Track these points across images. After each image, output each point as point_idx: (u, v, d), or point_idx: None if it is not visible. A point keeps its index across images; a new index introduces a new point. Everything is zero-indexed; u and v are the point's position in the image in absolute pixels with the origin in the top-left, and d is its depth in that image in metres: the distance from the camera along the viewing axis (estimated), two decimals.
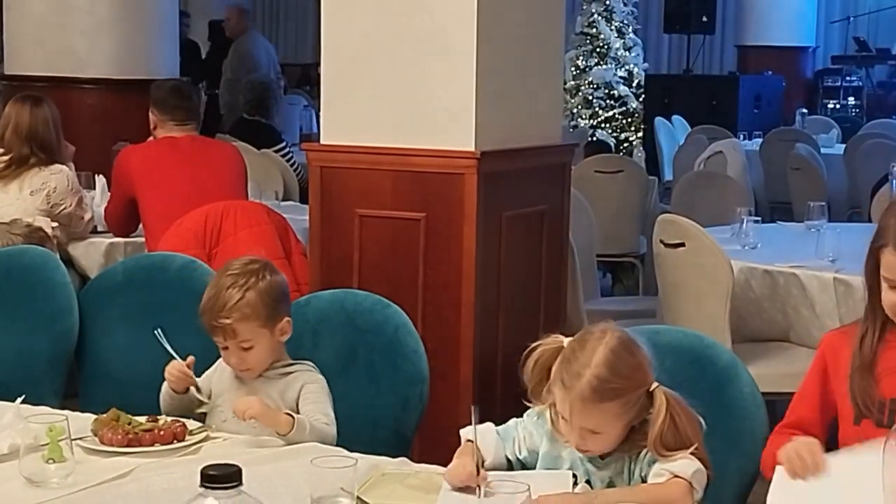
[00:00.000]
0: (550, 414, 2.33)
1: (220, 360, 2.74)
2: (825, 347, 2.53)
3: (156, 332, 2.70)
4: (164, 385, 2.71)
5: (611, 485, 2.27)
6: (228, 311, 2.60)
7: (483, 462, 2.29)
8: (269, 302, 2.63)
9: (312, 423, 2.52)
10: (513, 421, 2.41)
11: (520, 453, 2.37)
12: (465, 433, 2.36)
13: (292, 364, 2.69)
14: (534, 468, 2.36)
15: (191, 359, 2.68)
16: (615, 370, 2.21)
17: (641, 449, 2.26)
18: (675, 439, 2.22)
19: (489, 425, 2.40)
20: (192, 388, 2.68)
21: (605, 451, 2.27)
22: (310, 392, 2.62)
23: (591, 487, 2.26)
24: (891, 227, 2.40)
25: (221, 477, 1.68)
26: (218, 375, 2.74)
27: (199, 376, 2.75)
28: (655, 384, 2.25)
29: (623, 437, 2.26)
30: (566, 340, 2.31)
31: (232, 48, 10.71)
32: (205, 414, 2.71)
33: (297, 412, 2.58)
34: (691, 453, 2.22)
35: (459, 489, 2.21)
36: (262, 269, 2.68)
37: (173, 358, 2.68)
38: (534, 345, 2.34)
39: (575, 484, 2.25)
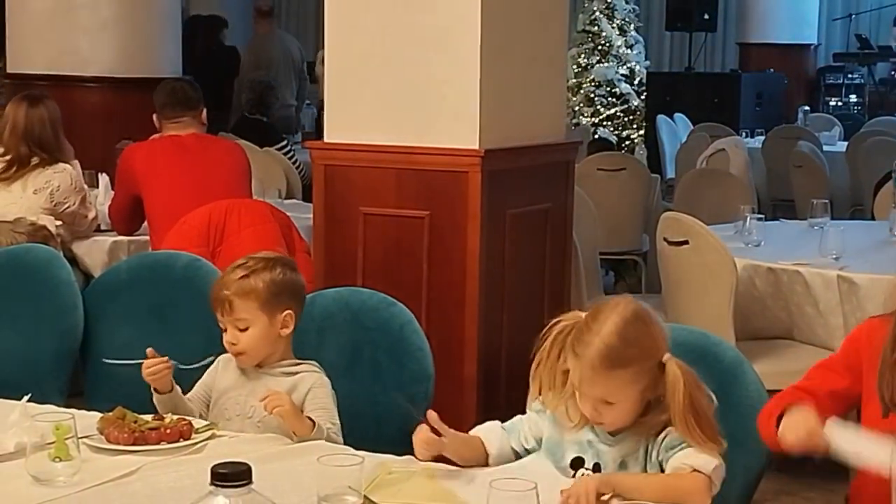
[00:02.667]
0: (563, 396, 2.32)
1: (221, 357, 2.75)
2: (866, 330, 2.49)
3: (105, 360, 2.72)
4: (154, 395, 2.70)
5: (623, 465, 2.27)
6: (230, 285, 2.65)
7: (487, 456, 2.33)
8: (273, 289, 2.65)
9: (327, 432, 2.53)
10: (517, 417, 2.42)
11: (527, 443, 2.38)
12: (474, 431, 2.38)
13: (298, 364, 2.69)
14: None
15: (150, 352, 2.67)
16: (625, 338, 2.21)
17: (660, 428, 2.24)
18: (694, 414, 2.22)
19: (494, 422, 2.41)
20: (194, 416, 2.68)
21: (619, 425, 2.26)
22: (317, 397, 2.62)
23: (599, 471, 2.26)
24: None
25: (232, 475, 1.68)
26: (221, 372, 2.74)
27: (198, 378, 2.77)
28: (668, 356, 2.25)
29: (638, 412, 2.25)
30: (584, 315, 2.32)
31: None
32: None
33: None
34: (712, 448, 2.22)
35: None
36: (277, 261, 2.72)
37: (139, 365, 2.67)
38: (554, 321, 2.34)
39: (574, 471, 2.26)
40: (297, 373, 2.67)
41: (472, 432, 2.39)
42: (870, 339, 2.45)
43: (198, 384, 2.76)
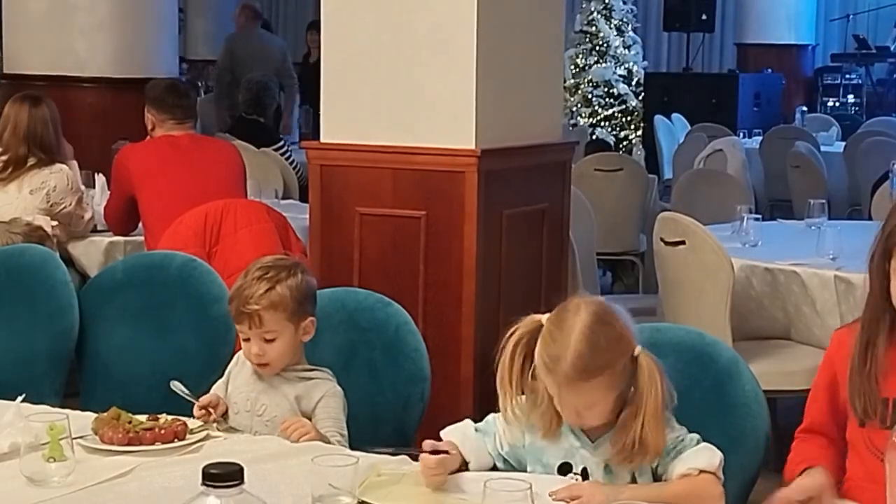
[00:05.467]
0: (535, 400, 2.28)
1: (239, 354, 2.74)
2: (834, 346, 2.49)
3: (172, 384, 2.71)
4: None
5: (608, 469, 2.24)
6: (258, 299, 2.59)
7: (467, 464, 2.29)
8: (298, 297, 2.63)
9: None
10: (491, 416, 2.37)
11: (502, 448, 2.34)
12: (446, 434, 2.34)
13: (313, 370, 2.68)
14: (516, 462, 2.34)
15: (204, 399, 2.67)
16: (595, 346, 2.17)
17: (631, 423, 2.20)
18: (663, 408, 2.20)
19: (468, 423, 2.37)
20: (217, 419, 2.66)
21: (602, 422, 2.23)
22: (329, 406, 2.62)
23: (587, 476, 2.25)
24: None
25: (223, 475, 1.67)
26: (238, 369, 2.73)
27: (198, 379, 2.75)
28: (639, 349, 2.22)
29: (619, 406, 2.22)
30: (544, 318, 2.27)
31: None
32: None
33: (310, 418, 2.59)
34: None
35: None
36: (295, 266, 2.69)
37: (193, 403, 2.67)
38: (511, 329, 2.29)
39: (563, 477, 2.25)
40: (311, 378, 2.65)
41: (444, 435, 2.34)
42: (840, 350, 2.45)
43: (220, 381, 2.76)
